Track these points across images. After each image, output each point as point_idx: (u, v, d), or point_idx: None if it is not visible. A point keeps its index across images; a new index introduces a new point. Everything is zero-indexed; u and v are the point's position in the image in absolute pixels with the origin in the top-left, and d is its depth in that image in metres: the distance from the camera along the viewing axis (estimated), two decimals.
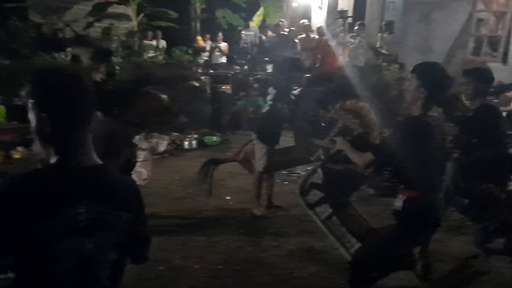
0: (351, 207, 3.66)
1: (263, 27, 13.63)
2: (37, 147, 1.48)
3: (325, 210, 3.62)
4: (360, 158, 2.78)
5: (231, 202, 5.56)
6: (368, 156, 2.71)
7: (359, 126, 3.59)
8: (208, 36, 12.97)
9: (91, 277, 1.36)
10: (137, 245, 1.53)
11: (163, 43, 12.62)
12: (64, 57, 11.53)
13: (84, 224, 1.32)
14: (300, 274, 3.81)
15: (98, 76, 4.53)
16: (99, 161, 1.45)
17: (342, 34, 10.74)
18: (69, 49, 11.72)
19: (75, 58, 11.54)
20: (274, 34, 12.39)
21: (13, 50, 10.53)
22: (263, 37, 13.00)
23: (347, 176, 3.49)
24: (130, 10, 12.56)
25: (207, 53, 12.58)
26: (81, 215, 1.32)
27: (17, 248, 1.31)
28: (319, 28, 11.79)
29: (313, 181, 3.77)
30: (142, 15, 12.74)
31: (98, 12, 12.25)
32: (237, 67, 12.13)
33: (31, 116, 1.39)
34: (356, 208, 3.71)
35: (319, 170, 3.70)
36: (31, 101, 1.38)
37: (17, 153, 6.37)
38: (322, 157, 3.69)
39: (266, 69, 11.83)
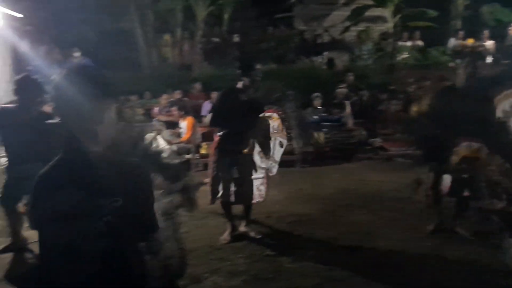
0: None
1: None
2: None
3: None
4: None
5: None
6: None
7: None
8: (460, 34, 11.81)
9: (78, 267, 1.34)
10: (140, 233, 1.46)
11: (419, 44, 12.08)
12: (320, 61, 12.37)
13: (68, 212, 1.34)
14: None
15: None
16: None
17: None
18: (325, 53, 12.51)
19: (330, 62, 12.24)
20: None
21: (280, 56, 11.84)
22: None
23: None
24: (387, 12, 12.48)
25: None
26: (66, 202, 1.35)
27: None
28: None
29: None
30: (398, 16, 12.50)
31: (356, 16, 12.61)
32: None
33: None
34: None
35: None
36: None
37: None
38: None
39: None
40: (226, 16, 12.83)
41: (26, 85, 3.92)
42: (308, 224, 4.72)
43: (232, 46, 12.04)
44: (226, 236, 4.30)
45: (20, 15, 7.66)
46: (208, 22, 12.41)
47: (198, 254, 3.86)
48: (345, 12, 13.08)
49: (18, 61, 8.51)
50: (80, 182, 1.37)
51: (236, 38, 12.23)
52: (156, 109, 9.48)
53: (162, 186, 1.79)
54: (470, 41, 11.72)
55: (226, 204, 4.32)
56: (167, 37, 12.56)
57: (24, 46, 8.18)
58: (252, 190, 4.28)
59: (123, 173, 1.43)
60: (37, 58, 9.22)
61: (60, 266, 1.36)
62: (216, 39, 12.37)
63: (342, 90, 8.78)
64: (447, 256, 3.87)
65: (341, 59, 12.37)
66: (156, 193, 1.68)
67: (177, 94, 9.96)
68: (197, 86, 10.53)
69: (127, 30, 11.88)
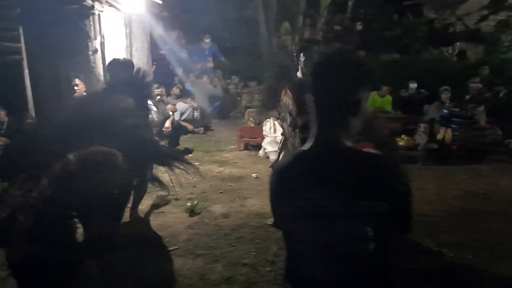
0: None
1: None
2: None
3: None
4: None
5: None
6: None
7: None
8: None
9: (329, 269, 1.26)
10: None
11: None
12: (450, 52, 11.45)
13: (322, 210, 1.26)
14: None
15: None
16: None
17: None
18: (457, 44, 11.54)
19: (461, 54, 11.26)
20: None
21: (405, 45, 11.21)
22: None
23: None
24: None
25: None
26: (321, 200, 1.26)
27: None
28: None
29: None
30: None
31: (496, 4, 11.38)
32: None
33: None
34: None
35: None
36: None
37: (402, 141, 6.72)
38: None
39: None
40: (350, 3, 12.46)
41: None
42: (429, 226, 4.42)
43: (354, 34, 11.69)
44: None
45: (159, 1, 8.28)
46: (331, 9, 12.18)
47: None
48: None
49: (154, 45, 9.26)
50: (331, 177, 1.27)
51: (358, 26, 11.84)
52: None
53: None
54: None
55: None
56: (286, 24, 12.62)
57: (160, 31, 8.86)
58: None
59: (376, 170, 1.30)
60: (170, 42, 9.94)
61: (308, 264, 1.30)
62: (338, 27, 12.12)
63: (475, 84, 8.02)
64: None
65: (475, 51, 11.31)
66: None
67: None
68: None
69: (251, 17, 12.19)
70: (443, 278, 3.46)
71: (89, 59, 6.56)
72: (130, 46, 7.92)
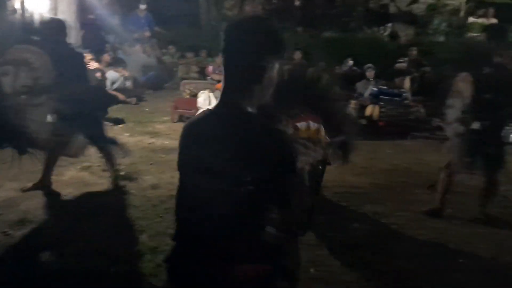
0: None
1: None
2: None
3: None
4: None
5: None
6: None
7: None
8: None
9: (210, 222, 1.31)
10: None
11: (493, 22, 11.21)
12: (382, 32, 11.79)
13: None
14: None
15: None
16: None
17: None
18: (389, 25, 11.89)
19: (392, 34, 11.65)
20: None
21: (343, 24, 11.41)
22: None
23: None
24: None
25: None
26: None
27: None
28: None
29: None
30: None
31: None
32: None
33: None
34: None
35: None
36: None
37: None
38: None
39: None
40: None
41: None
42: (358, 197, 4.59)
43: (294, 10, 11.69)
44: None
45: None
46: None
47: None
48: None
49: (82, 10, 8.68)
50: (224, 139, 1.31)
51: (297, 2, 11.84)
52: (210, 68, 9.47)
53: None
54: None
55: None
56: None
57: None
58: None
59: (267, 139, 1.34)
60: (100, 7, 9.37)
61: (193, 218, 1.38)
62: (276, 1, 12.06)
63: (401, 65, 8.40)
64: None
65: (406, 33, 11.73)
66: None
67: None
68: None
69: None
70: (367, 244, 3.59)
71: (6, 19, 6.01)
72: (55, 9, 7.36)
